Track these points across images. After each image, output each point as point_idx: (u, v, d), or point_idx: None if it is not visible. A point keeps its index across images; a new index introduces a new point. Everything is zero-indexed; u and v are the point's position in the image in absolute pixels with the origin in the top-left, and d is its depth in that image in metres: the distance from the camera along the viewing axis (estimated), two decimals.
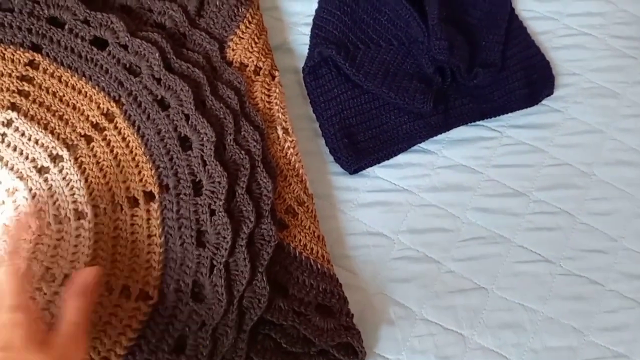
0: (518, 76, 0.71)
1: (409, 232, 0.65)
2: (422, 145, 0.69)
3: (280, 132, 0.65)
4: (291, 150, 0.64)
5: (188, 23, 0.67)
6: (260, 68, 0.67)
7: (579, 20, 0.78)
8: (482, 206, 0.67)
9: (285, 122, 0.65)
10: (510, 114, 0.71)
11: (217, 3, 0.67)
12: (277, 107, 0.66)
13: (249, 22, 0.67)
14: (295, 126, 0.67)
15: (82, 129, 0.61)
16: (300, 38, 0.73)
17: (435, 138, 0.70)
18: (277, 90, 0.66)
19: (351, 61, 0.68)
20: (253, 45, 0.67)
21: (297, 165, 0.64)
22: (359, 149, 0.67)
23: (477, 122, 0.71)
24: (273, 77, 0.67)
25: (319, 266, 0.59)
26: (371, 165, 0.68)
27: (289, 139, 0.64)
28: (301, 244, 0.60)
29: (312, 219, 0.62)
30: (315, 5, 0.73)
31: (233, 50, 0.67)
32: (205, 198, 0.58)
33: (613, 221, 0.68)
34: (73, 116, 0.62)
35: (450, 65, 0.68)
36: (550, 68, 0.73)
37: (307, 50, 0.71)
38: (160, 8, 0.67)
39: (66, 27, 0.64)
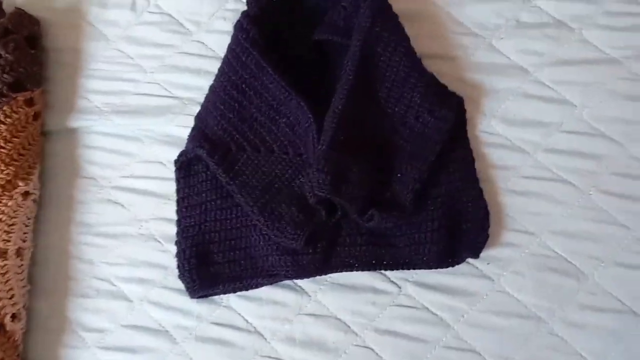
0: (433, 226, 0.54)
1: None
2: (298, 280, 0.57)
3: None
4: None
5: None
6: None
7: (560, 159, 0.58)
8: None
9: (8, 242, 0.55)
10: None
11: None
12: None
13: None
14: None
15: None
16: None
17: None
18: (10, 204, 0.55)
19: (228, 165, 0.56)
20: None
21: None
22: (212, 272, 0.56)
23: None
24: (14, 187, 0.56)
25: None
26: (222, 294, 0.57)
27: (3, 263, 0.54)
28: None
29: None
30: None
31: None
32: None
33: None
34: None
35: (335, 202, 0.54)
36: (487, 223, 0.55)
37: None
38: None
39: None
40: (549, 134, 0.59)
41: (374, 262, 0.55)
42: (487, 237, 0.55)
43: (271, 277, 0.56)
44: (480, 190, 0.56)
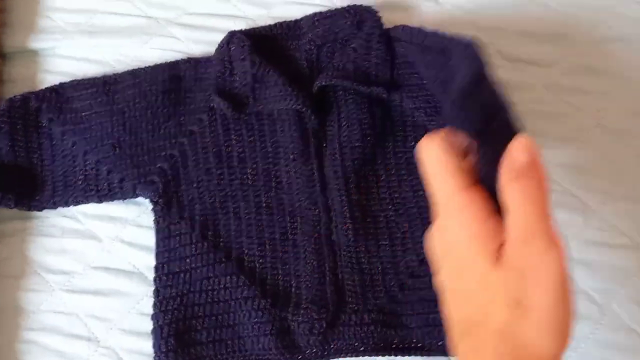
0: None
1: None
2: None
3: None
4: None
5: None
6: None
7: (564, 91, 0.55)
8: None
9: None
10: None
11: None
12: None
13: None
14: None
15: None
16: None
17: None
18: None
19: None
20: None
21: None
22: (193, 355, 0.47)
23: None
24: None
25: None
26: None
27: None
28: None
29: None
30: None
31: None
32: None
33: None
34: None
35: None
36: None
37: None
38: None
39: None
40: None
41: (382, 345, 0.47)
42: None
43: None
44: None
